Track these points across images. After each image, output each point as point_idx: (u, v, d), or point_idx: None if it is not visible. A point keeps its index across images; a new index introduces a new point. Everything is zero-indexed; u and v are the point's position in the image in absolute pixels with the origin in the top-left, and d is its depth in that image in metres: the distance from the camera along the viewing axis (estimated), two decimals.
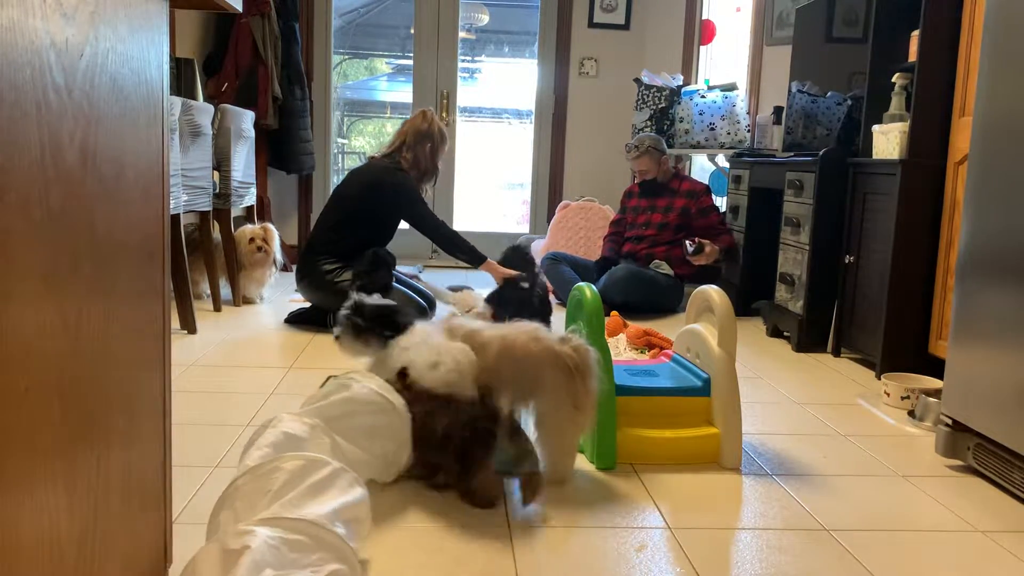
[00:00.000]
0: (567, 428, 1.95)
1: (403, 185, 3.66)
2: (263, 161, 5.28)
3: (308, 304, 3.76)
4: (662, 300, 4.28)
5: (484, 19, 6.05)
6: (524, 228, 6.10)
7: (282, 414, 1.65)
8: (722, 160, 4.97)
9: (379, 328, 2.07)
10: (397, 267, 3.69)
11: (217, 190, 3.91)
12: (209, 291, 4.02)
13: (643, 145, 4.42)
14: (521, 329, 2.00)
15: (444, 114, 5.87)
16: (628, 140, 5.42)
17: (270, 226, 4.23)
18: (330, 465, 1.44)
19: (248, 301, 4.17)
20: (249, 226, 4.20)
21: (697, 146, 4.91)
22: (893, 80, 3.16)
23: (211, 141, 3.74)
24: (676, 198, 4.42)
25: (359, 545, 1.46)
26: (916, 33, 3.03)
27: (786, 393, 2.87)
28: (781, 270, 3.74)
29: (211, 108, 3.76)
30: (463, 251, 3.66)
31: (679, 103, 5.05)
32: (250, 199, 4.41)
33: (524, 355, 1.95)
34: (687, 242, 4.30)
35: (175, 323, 3.40)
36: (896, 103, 3.14)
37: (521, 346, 1.96)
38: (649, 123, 5.11)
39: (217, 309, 3.92)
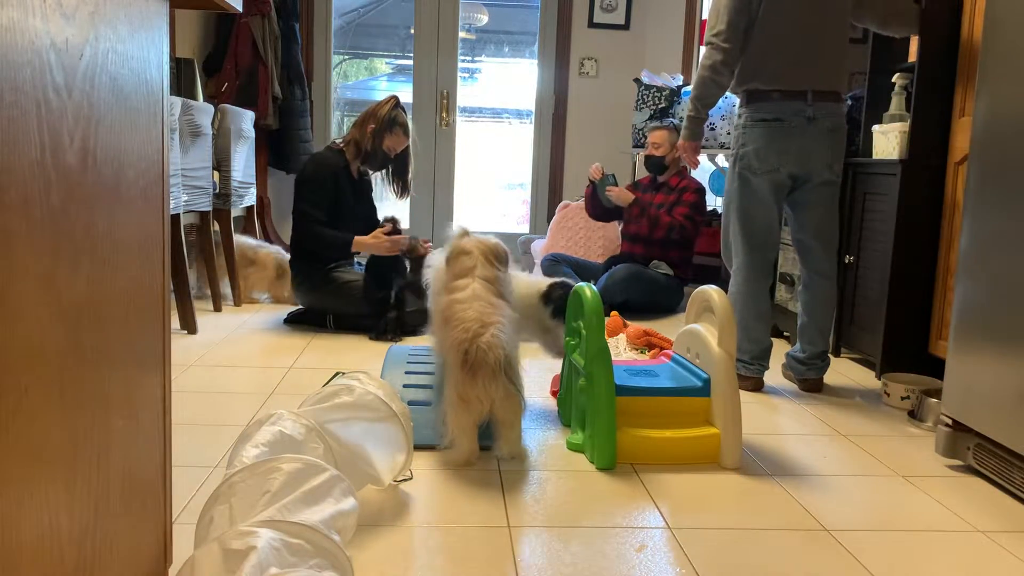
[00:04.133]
0: (450, 410, 2.02)
1: (313, 156, 3.62)
2: (263, 161, 5.28)
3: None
4: (662, 300, 4.28)
5: (484, 19, 6.05)
6: (524, 228, 6.10)
7: (282, 411, 1.65)
8: (722, 160, 4.96)
9: None
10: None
11: (217, 190, 3.91)
12: (209, 291, 4.03)
13: (666, 121, 4.51)
14: (477, 305, 2.10)
15: (444, 114, 5.88)
16: (628, 140, 5.43)
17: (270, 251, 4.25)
18: (327, 471, 1.44)
19: (250, 301, 4.16)
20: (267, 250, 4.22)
21: None
22: (893, 80, 3.15)
23: (211, 141, 3.74)
24: (671, 195, 4.42)
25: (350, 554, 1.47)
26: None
27: (786, 393, 2.87)
28: (781, 270, 3.74)
29: (211, 108, 3.76)
30: (334, 246, 3.52)
31: (679, 103, 5.05)
32: (250, 199, 4.41)
33: (443, 327, 2.12)
34: (602, 171, 4.51)
35: (175, 323, 3.40)
36: (896, 103, 3.14)
37: (447, 317, 2.10)
38: (649, 123, 5.11)
39: (217, 309, 3.92)
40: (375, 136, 3.58)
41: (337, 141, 3.71)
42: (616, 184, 4.52)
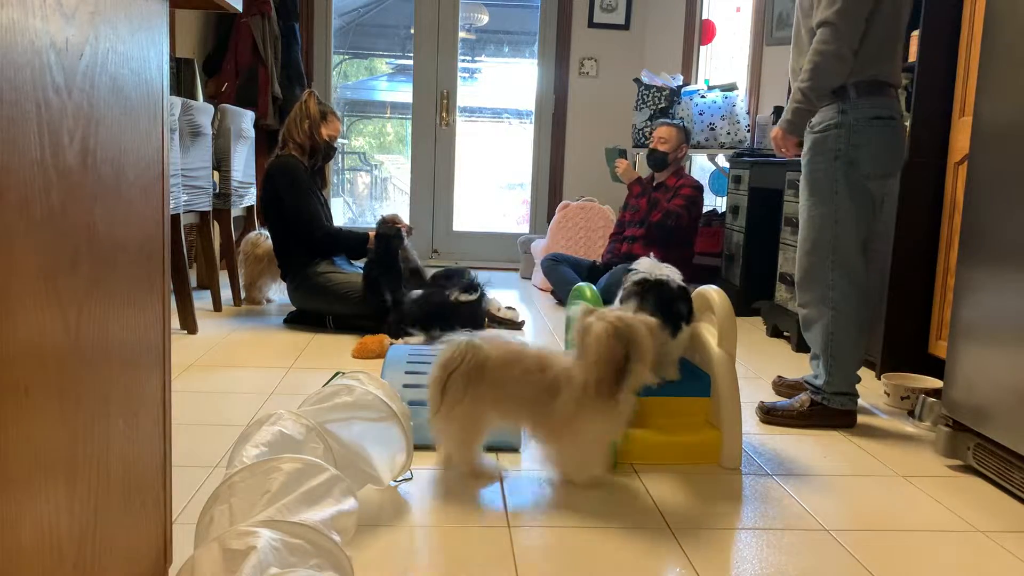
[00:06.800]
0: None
1: (279, 165, 3.67)
2: (263, 161, 5.28)
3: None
4: None
5: (484, 19, 6.05)
6: (524, 228, 6.10)
7: (282, 411, 1.65)
8: (722, 160, 4.97)
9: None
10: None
11: (217, 190, 3.91)
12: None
13: (676, 120, 4.50)
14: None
15: (444, 114, 5.88)
16: (628, 140, 5.43)
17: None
18: (327, 471, 1.44)
19: (254, 302, 4.14)
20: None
21: (697, 146, 4.91)
22: None
23: (211, 141, 3.74)
24: (667, 193, 4.41)
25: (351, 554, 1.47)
26: (916, 33, 3.03)
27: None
28: (781, 270, 3.74)
29: (211, 108, 3.76)
30: (348, 246, 3.71)
31: (679, 103, 5.05)
32: (250, 199, 4.41)
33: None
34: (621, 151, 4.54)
35: (175, 323, 3.40)
36: None
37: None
38: (649, 123, 5.12)
39: (217, 309, 3.92)
40: (313, 130, 3.71)
41: (280, 152, 3.75)
42: (626, 157, 4.53)
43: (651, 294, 2.16)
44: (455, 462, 2.02)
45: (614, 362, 1.84)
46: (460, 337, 1.95)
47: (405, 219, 4.02)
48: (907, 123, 3.00)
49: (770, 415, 2.55)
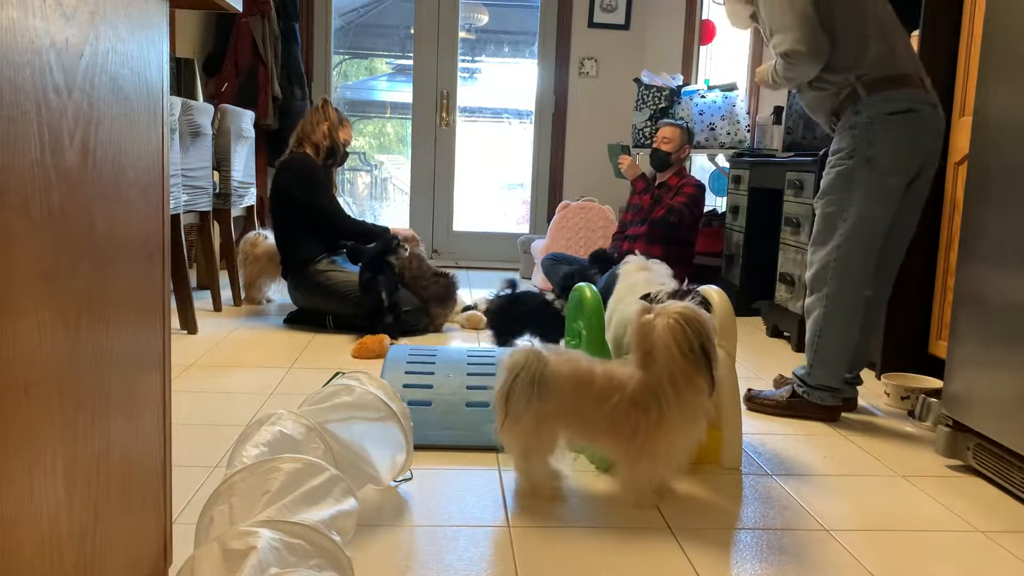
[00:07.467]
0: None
1: (296, 161, 3.70)
2: (263, 161, 5.28)
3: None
4: None
5: (484, 19, 6.05)
6: (524, 228, 6.10)
7: (282, 411, 1.65)
8: (722, 160, 4.97)
9: None
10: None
11: (217, 190, 3.91)
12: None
13: (679, 120, 4.51)
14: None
15: (444, 114, 5.88)
16: (628, 140, 5.43)
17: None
18: (327, 471, 1.44)
19: (254, 302, 4.14)
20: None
21: (697, 146, 4.91)
22: None
23: (211, 141, 3.74)
24: (669, 192, 4.40)
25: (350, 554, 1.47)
26: (916, 33, 3.03)
27: None
28: (781, 270, 3.74)
29: (211, 108, 3.76)
30: (374, 234, 3.73)
31: (679, 103, 5.05)
32: (250, 199, 4.41)
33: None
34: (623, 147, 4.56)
35: (175, 323, 3.40)
36: None
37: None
38: (649, 123, 5.12)
39: (217, 309, 3.92)
40: (331, 133, 3.79)
41: (295, 150, 3.78)
42: (629, 153, 4.53)
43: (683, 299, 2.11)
44: (518, 475, 1.93)
45: (692, 353, 1.71)
46: (525, 345, 1.83)
47: (404, 221, 4.03)
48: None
49: (752, 402, 2.61)
